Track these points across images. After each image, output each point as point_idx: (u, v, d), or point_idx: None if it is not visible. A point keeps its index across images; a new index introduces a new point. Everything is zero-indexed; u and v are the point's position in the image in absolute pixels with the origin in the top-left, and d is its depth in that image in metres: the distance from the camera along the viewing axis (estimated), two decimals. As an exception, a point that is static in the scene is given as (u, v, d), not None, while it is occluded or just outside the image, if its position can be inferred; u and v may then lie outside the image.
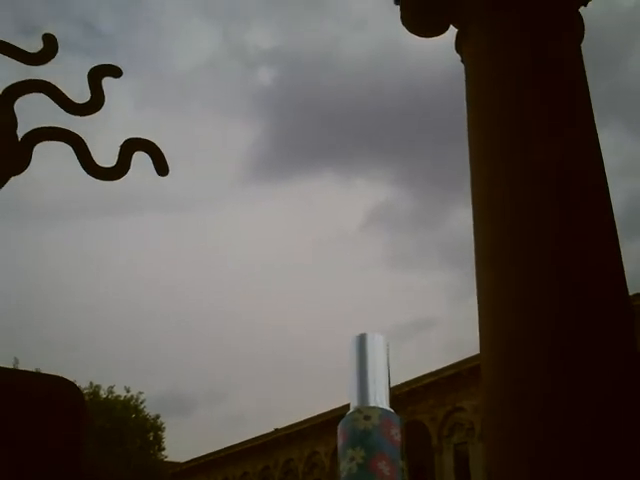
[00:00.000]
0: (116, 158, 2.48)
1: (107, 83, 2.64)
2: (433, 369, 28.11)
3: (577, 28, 4.91)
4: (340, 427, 1.26)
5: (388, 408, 1.26)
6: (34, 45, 2.46)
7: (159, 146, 2.48)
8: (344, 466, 1.21)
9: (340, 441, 1.24)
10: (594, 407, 3.86)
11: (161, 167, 2.49)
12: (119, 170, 2.47)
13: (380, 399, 1.28)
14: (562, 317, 4.06)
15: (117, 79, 2.60)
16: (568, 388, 3.89)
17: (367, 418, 1.24)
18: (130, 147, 2.49)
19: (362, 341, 1.34)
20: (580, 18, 5.00)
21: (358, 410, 1.26)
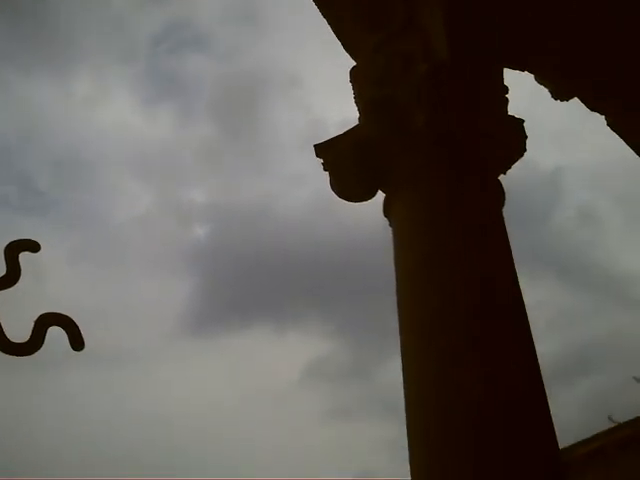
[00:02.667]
0: (29, 333, 2.44)
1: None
2: (373, 526, 27.20)
3: (498, 195, 5.16)
4: None
5: None
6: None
7: (74, 321, 2.45)
8: None
9: None
10: None
11: (76, 341, 2.45)
12: (32, 345, 2.42)
13: None
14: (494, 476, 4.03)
15: (36, 252, 2.59)
16: None
17: None
18: (44, 322, 2.45)
19: None
20: (501, 186, 5.26)
21: None
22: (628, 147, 6.96)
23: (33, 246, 2.60)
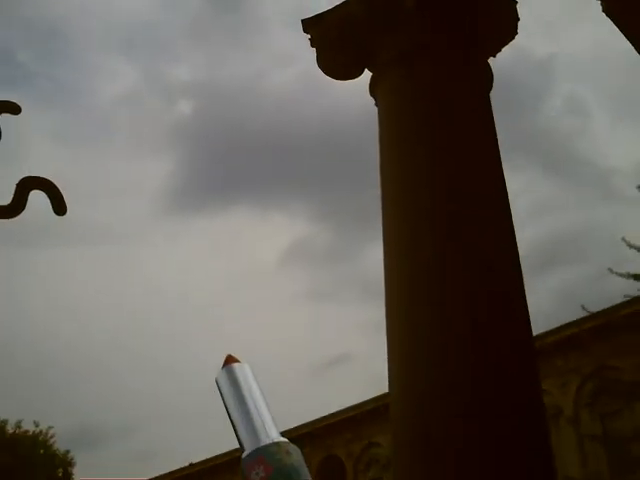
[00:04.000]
0: (11, 196, 2.43)
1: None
2: (351, 404, 28.18)
3: (485, 78, 5.09)
4: (258, 458, 1.18)
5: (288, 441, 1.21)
6: None
7: (56, 185, 2.44)
8: None
9: (261, 473, 1.15)
10: (501, 447, 3.93)
11: (59, 207, 2.44)
12: (13, 209, 2.42)
13: (275, 432, 1.23)
14: (469, 358, 4.14)
15: (17, 114, 2.55)
16: (475, 430, 3.95)
17: (289, 453, 1.18)
18: (26, 185, 2.44)
19: (230, 374, 1.27)
20: (489, 68, 5.18)
21: (276, 444, 1.18)
22: (620, 39, 6.82)
23: (13, 108, 2.55)
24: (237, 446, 1.22)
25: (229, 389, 1.23)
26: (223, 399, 1.24)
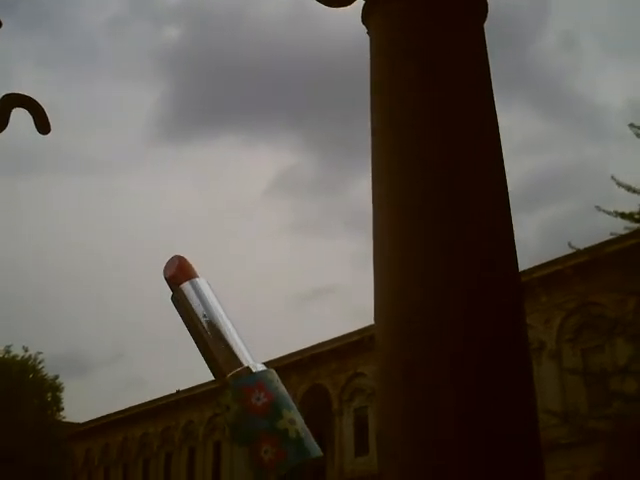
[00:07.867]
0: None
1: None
2: (336, 335, 28.57)
3: (480, 9, 4.99)
4: (258, 384, 1.11)
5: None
6: None
7: (39, 103, 2.39)
8: (282, 424, 1.08)
9: (263, 398, 1.10)
10: (484, 378, 3.99)
11: (42, 125, 2.40)
12: (-4, 125, 2.39)
13: (253, 358, 1.14)
14: (454, 290, 4.17)
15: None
16: (459, 361, 4.01)
17: (279, 382, 1.13)
18: (9, 103, 2.40)
19: (194, 291, 1.15)
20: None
21: (269, 371, 1.13)
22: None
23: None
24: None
25: (197, 308, 1.10)
26: (192, 318, 1.11)
